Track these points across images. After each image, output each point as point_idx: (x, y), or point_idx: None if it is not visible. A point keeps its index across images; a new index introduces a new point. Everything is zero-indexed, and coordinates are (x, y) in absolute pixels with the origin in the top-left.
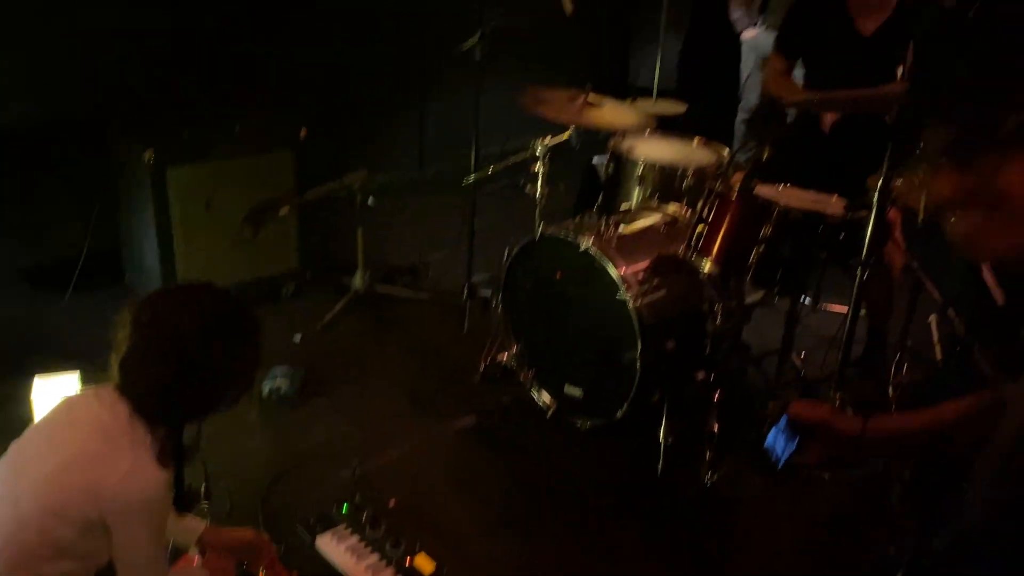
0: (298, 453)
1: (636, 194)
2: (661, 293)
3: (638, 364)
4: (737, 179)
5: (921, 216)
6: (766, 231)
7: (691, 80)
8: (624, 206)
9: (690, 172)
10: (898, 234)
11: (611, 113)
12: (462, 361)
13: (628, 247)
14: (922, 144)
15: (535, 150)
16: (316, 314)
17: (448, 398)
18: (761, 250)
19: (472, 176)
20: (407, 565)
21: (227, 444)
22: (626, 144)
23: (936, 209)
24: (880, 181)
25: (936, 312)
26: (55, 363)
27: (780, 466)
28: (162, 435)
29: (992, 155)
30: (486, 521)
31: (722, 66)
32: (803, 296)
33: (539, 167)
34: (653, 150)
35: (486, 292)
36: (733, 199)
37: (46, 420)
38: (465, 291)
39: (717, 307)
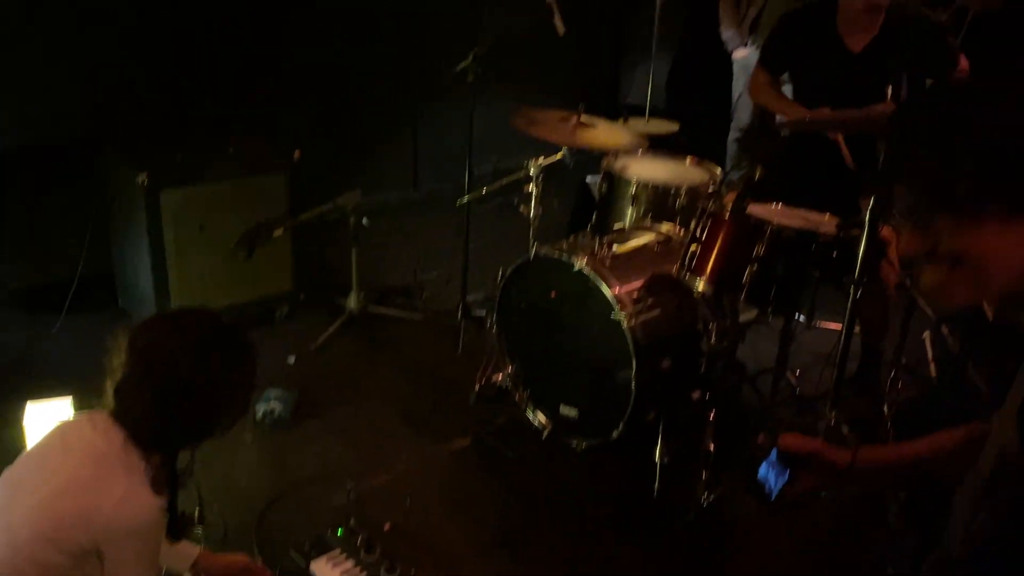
0: (292, 476)
1: (629, 213)
2: (655, 312)
3: (633, 384)
4: (730, 198)
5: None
6: (759, 250)
7: (681, 99)
8: (618, 225)
9: (683, 191)
10: (892, 252)
11: (604, 133)
12: (457, 382)
13: (622, 267)
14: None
15: (528, 170)
16: (310, 336)
17: (443, 419)
18: (754, 269)
19: (466, 197)
20: None
21: (221, 468)
22: (619, 164)
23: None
24: (872, 200)
25: (930, 329)
26: (48, 388)
27: (773, 498)
28: (157, 461)
29: (946, 216)
30: (481, 543)
31: (713, 85)
32: (797, 314)
33: (532, 187)
34: (646, 170)
35: (481, 312)
36: (726, 219)
37: (39, 446)
38: (460, 311)
39: (711, 326)
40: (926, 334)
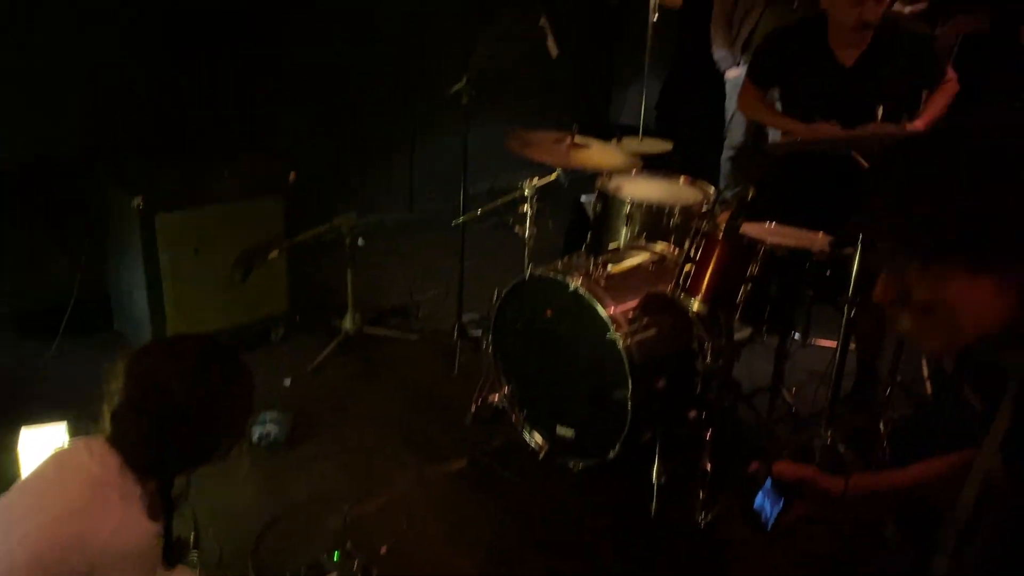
0: (288, 500)
1: (624, 233)
2: (651, 332)
3: (629, 403)
4: (723, 218)
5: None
6: (753, 270)
7: (674, 119)
8: (612, 245)
9: (677, 211)
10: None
11: (598, 154)
12: (453, 403)
13: (617, 286)
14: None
15: (523, 191)
16: (306, 357)
17: (439, 441)
18: (748, 289)
19: (461, 217)
20: None
21: (216, 492)
22: (613, 184)
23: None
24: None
25: None
26: (43, 413)
27: (769, 528)
28: (153, 487)
29: (915, 267)
30: (479, 565)
31: (706, 105)
32: (792, 332)
33: (527, 208)
34: (640, 189)
35: (476, 332)
36: (719, 239)
37: (35, 474)
38: (455, 331)
39: (707, 345)
40: None
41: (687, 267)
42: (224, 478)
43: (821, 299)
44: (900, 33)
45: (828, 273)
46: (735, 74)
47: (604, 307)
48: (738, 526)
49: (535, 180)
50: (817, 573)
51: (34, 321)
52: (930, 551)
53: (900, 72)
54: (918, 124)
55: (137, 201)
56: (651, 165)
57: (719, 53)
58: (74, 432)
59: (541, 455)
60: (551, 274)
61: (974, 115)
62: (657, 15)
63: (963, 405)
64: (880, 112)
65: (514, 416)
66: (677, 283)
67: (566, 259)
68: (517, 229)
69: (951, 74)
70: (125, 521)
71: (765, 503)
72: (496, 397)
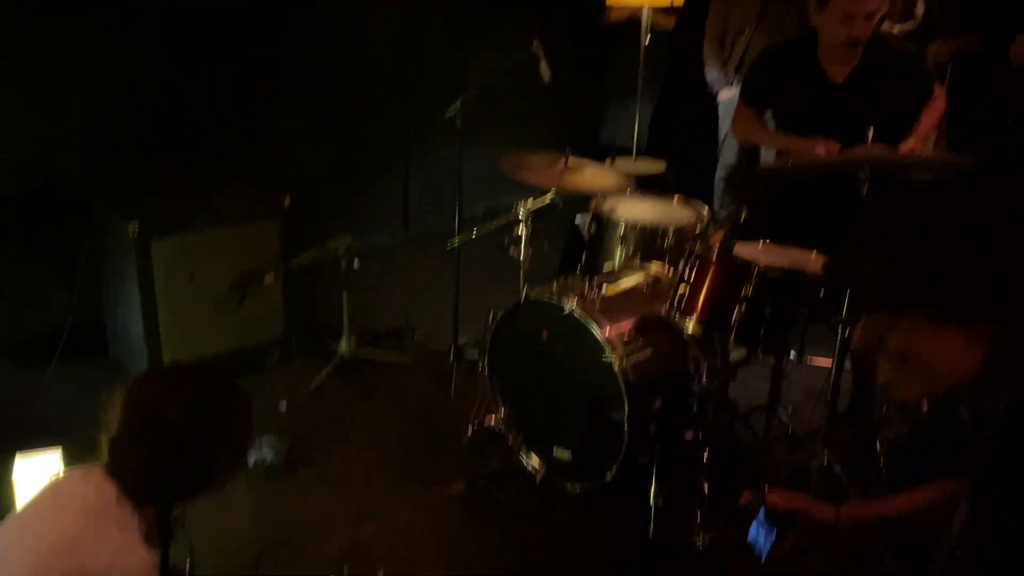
0: (285, 525)
1: (618, 254)
2: (646, 353)
3: (626, 425)
4: (717, 239)
5: None
6: (747, 291)
7: (665, 139)
8: (607, 266)
9: (671, 232)
10: None
11: (591, 176)
12: (450, 426)
13: (612, 308)
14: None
15: (518, 213)
16: (302, 381)
17: (437, 464)
18: (743, 310)
19: (456, 240)
20: None
21: (212, 518)
22: (607, 205)
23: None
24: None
25: None
26: (38, 440)
27: (763, 560)
28: (151, 515)
29: (885, 317)
30: None
31: (699, 126)
32: (788, 351)
33: (522, 230)
34: (634, 210)
35: (473, 354)
36: (713, 261)
37: (31, 504)
38: (452, 353)
39: (702, 366)
40: None
41: (681, 288)
42: (220, 504)
43: (816, 318)
44: (890, 52)
45: (822, 293)
46: (728, 95)
47: (599, 329)
48: (736, 548)
49: (529, 202)
50: None
51: (29, 348)
52: None
53: (890, 89)
54: (909, 144)
55: (132, 227)
56: (645, 185)
57: (712, 75)
58: (69, 460)
59: (538, 478)
60: (546, 296)
61: (954, 174)
62: (649, 37)
63: (959, 424)
64: (870, 134)
65: (511, 439)
66: (672, 304)
67: (561, 280)
68: (512, 251)
69: (938, 92)
70: (122, 551)
71: (759, 535)
72: (493, 419)
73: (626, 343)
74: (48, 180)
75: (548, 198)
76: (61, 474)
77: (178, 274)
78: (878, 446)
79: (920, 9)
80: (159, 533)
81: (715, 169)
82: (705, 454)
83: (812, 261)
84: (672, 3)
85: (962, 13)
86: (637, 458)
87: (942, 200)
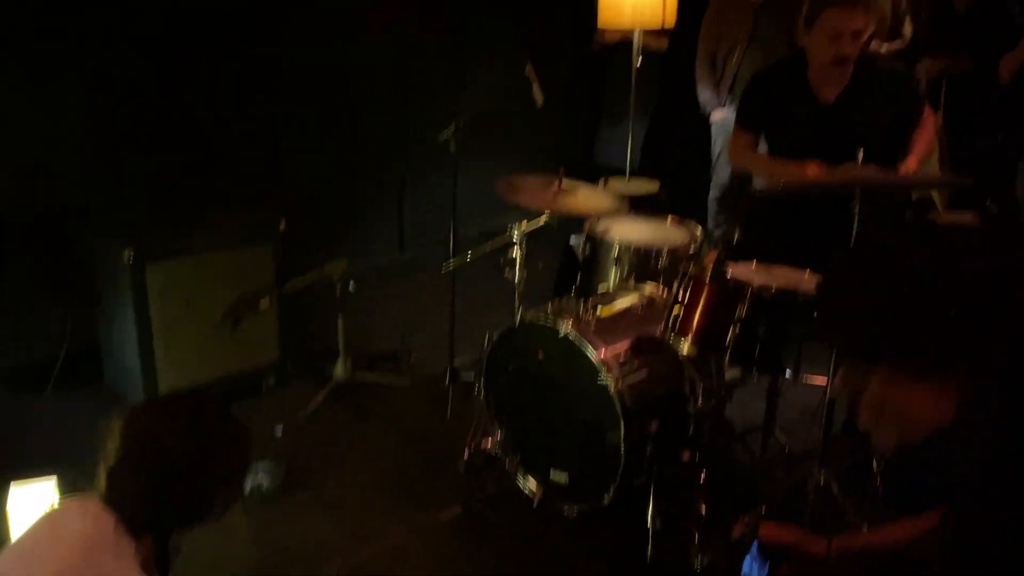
0: (281, 551)
1: (613, 275)
2: (642, 375)
3: (622, 446)
4: (711, 259)
5: None
6: (740, 311)
7: (658, 160)
8: (602, 287)
9: (664, 252)
10: None
11: (585, 198)
12: (446, 449)
13: (607, 330)
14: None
15: (512, 235)
16: (298, 405)
17: (433, 488)
18: (737, 330)
19: (451, 262)
20: None
21: (209, 544)
22: (601, 226)
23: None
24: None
25: None
26: (32, 467)
27: None
28: (148, 543)
29: (860, 366)
30: None
31: (692, 145)
32: (784, 370)
33: (517, 252)
34: (628, 231)
35: (469, 376)
36: (706, 282)
37: (27, 536)
38: (447, 376)
39: (698, 387)
40: None
41: (676, 309)
42: (216, 529)
43: (810, 337)
44: (879, 72)
45: (815, 312)
46: (720, 116)
47: (595, 351)
48: (734, 569)
49: (524, 224)
50: None
51: (24, 374)
52: None
53: (880, 109)
54: (910, 164)
55: (127, 253)
56: (638, 206)
57: (704, 95)
58: (64, 487)
59: (535, 501)
60: (541, 319)
61: (938, 230)
62: (641, 58)
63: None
64: (860, 154)
65: (507, 461)
66: (667, 325)
67: (556, 302)
68: (507, 273)
69: (928, 112)
70: None
71: (753, 569)
72: (489, 442)
73: (621, 365)
74: (43, 206)
75: (543, 220)
76: (58, 504)
77: (173, 299)
78: (874, 464)
79: (908, 29)
80: (157, 562)
81: (708, 189)
82: (702, 475)
83: (805, 281)
84: (664, 25)
85: (950, 33)
86: (634, 480)
87: (911, 259)
